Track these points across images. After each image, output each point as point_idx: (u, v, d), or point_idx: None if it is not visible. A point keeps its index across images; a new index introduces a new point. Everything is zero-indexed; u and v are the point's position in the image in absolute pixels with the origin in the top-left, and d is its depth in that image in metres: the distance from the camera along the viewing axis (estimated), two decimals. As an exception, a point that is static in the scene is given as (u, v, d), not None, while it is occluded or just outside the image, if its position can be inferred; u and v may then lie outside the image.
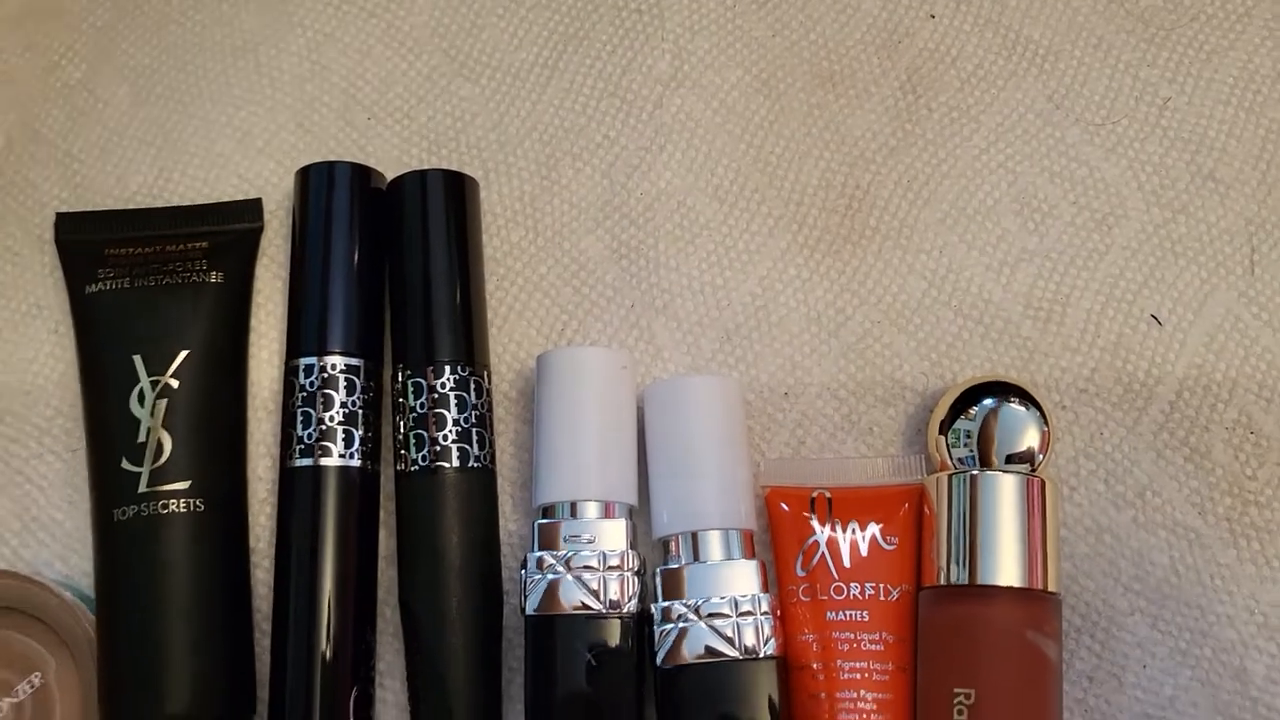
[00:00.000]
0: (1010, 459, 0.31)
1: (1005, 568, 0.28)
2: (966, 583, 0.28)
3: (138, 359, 0.32)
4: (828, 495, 0.31)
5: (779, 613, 0.29)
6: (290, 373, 0.32)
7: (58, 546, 0.34)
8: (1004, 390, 0.31)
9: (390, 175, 0.34)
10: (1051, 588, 0.28)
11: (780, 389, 0.33)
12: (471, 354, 0.32)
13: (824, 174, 0.35)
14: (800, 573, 0.30)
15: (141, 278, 0.33)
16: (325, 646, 0.30)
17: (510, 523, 0.32)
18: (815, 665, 0.29)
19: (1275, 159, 0.34)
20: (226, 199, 0.35)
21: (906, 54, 0.36)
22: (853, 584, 0.30)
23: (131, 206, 0.36)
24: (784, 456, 0.33)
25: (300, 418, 0.31)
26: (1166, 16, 0.36)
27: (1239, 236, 0.34)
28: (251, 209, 0.35)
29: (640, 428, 0.31)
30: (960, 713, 0.27)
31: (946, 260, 0.34)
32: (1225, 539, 0.31)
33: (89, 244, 0.34)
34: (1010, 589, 0.28)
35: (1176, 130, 0.35)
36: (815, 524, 0.30)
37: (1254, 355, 0.33)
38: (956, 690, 0.27)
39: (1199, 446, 0.32)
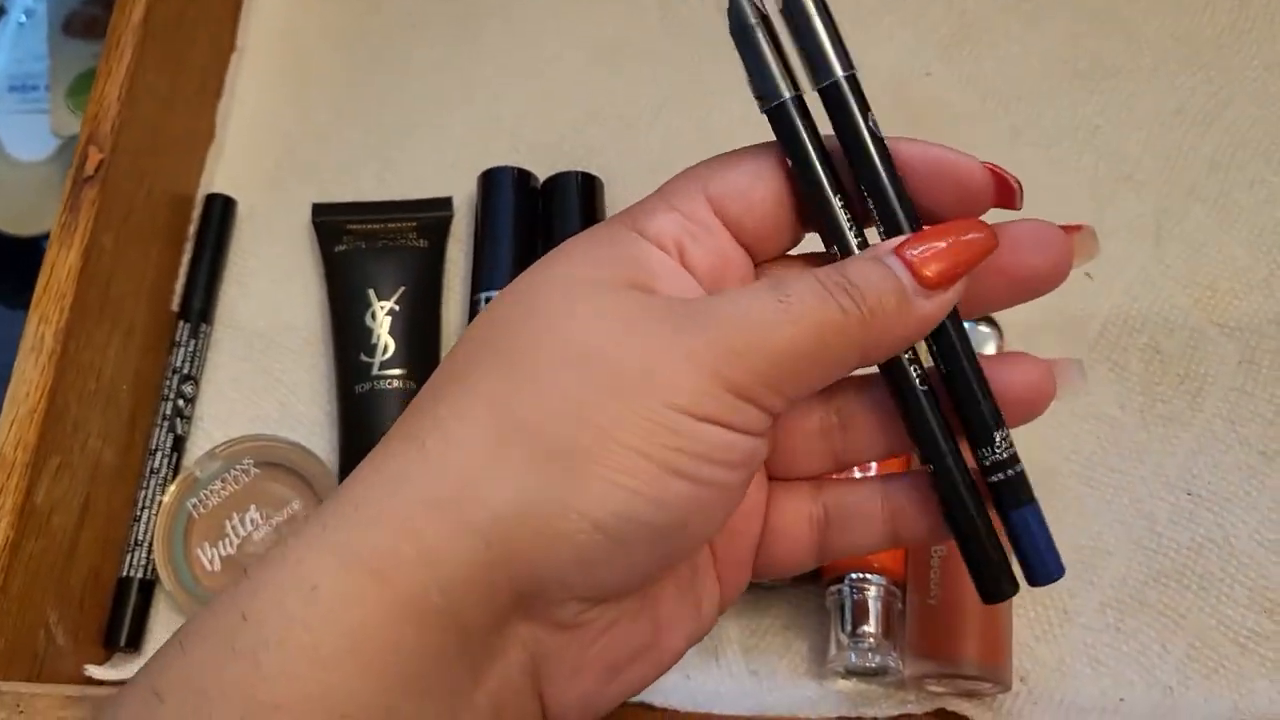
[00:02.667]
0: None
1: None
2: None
3: (371, 291, 0.46)
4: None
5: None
6: (475, 302, 0.46)
7: (303, 429, 0.47)
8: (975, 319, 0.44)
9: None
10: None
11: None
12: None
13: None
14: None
15: (372, 242, 0.48)
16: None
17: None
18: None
19: (1175, 166, 0.47)
20: (428, 197, 0.51)
21: (909, 100, 0.50)
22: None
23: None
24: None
25: (480, 330, 0.45)
26: (1096, 73, 0.49)
27: (1149, 219, 0.46)
28: (446, 203, 0.50)
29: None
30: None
31: (936, 237, 0.47)
32: (1137, 424, 0.43)
33: (335, 223, 0.49)
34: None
35: (1103, 148, 0.48)
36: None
37: (1160, 299, 0.45)
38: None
39: (1119, 361, 0.44)
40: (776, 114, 0.27)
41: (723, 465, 0.24)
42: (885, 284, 0.25)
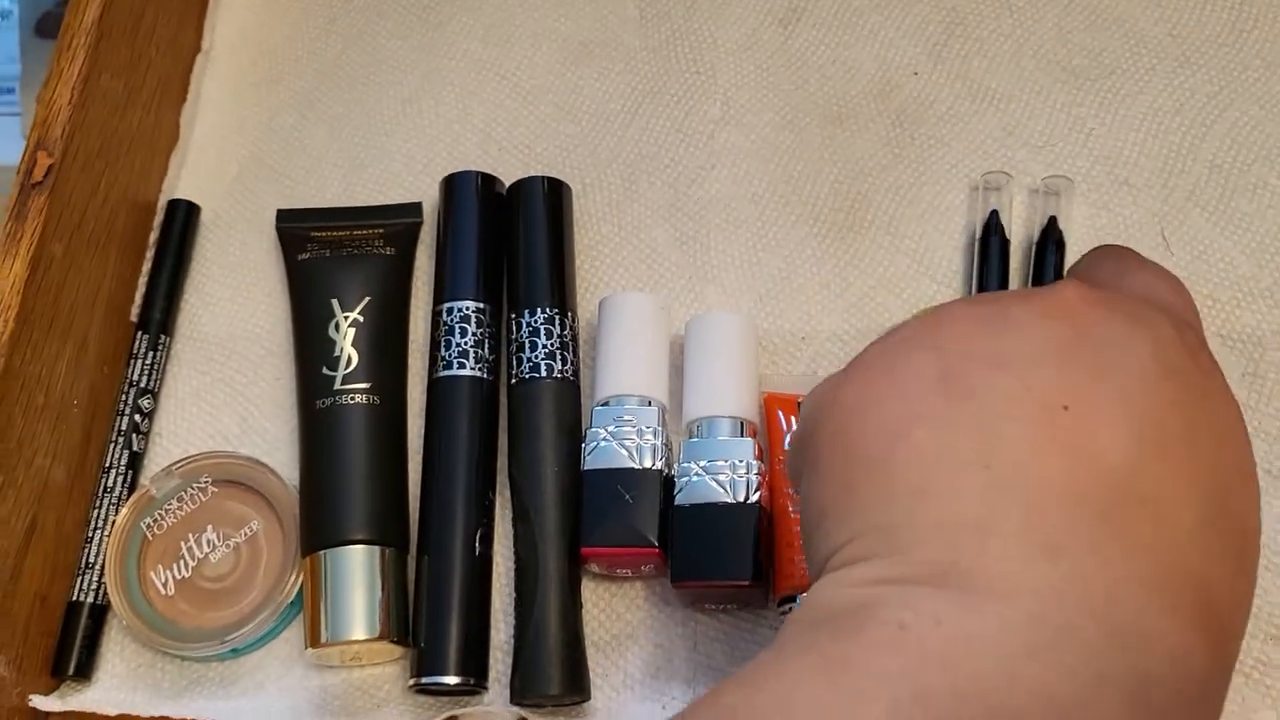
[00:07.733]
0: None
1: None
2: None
3: (335, 301, 0.44)
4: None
5: (766, 477, 0.39)
6: (438, 314, 0.44)
7: (266, 445, 0.45)
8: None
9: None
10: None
11: (798, 335, 0.45)
12: (560, 300, 0.43)
13: (833, 184, 0.47)
14: (786, 448, 0.40)
15: (337, 250, 0.46)
16: (459, 497, 0.41)
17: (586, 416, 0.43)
18: (793, 512, 0.39)
19: (1173, 171, 0.45)
20: (396, 203, 0.48)
21: (896, 100, 0.48)
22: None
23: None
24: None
25: (444, 343, 0.43)
26: (1091, 71, 0.47)
27: (1147, 225, 0.44)
28: (415, 209, 0.48)
29: (681, 348, 0.42)
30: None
31: (925, 244, 0.45)
32: (1135, 440, 0.41)
33: (299, 229, 0.47)
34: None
35: (1099, 151, 0.46)
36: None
37: (1157, 308, 0.43)
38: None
39: (1115, 374, 0.42)
40: None
41: None
42: None
